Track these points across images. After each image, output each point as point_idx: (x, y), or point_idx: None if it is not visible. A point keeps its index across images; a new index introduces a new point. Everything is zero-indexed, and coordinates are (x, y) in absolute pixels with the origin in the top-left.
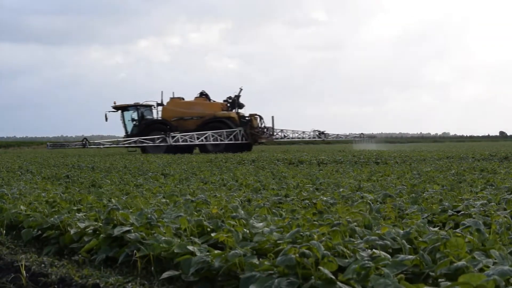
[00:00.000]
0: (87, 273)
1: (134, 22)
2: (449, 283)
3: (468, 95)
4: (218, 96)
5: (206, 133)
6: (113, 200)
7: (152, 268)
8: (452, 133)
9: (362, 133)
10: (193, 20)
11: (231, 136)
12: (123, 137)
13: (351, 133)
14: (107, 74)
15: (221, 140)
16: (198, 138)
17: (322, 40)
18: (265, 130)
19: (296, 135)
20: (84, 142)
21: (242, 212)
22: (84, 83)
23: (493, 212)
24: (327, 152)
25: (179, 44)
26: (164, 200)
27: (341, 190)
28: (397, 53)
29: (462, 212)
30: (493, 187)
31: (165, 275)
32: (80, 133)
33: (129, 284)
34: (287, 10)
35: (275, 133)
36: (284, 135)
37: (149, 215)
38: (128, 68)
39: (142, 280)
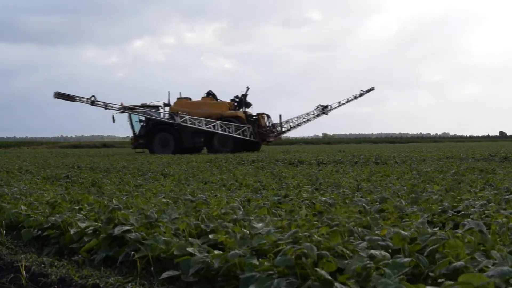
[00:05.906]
0: (87, 273)
1: (128, 21)
2: (449, 283)
3: (468, 95)
4: (220, 96)
5: (215, 122)
6: (114, 201)
7: (152, 268)
8: (452, 133)
9: (362, 90)
10: (188, 20)
11: (240, 131)
12: (131, 138)
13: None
14: (104, 74)
15: (229, 133)
16: (206, 125)
17: (319, 39)
18: (273, 128)
19: (301, 120)
20: (93, 99)
21: (241, 212)
22: (81, 83)
23: (493, 214)
24: (327, 152)
25: (174, 44)
26: (164, 200)
27: (340, 190)
28: (396, 52)
29: (462, 212)
30: (493, 188)
31: (165, 275)
32: (79, 133)
33: (129, 284)
34: (282, 10)
35: (282, 128)
36: (290, 125)
37: (150, 215)
38: (124, 68)
39: (142, 280)
